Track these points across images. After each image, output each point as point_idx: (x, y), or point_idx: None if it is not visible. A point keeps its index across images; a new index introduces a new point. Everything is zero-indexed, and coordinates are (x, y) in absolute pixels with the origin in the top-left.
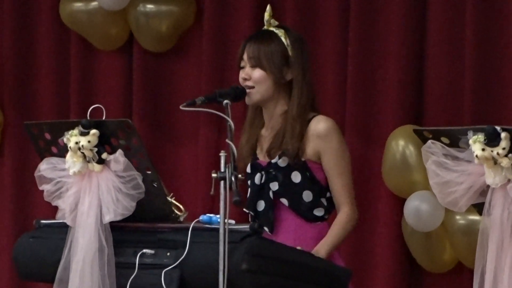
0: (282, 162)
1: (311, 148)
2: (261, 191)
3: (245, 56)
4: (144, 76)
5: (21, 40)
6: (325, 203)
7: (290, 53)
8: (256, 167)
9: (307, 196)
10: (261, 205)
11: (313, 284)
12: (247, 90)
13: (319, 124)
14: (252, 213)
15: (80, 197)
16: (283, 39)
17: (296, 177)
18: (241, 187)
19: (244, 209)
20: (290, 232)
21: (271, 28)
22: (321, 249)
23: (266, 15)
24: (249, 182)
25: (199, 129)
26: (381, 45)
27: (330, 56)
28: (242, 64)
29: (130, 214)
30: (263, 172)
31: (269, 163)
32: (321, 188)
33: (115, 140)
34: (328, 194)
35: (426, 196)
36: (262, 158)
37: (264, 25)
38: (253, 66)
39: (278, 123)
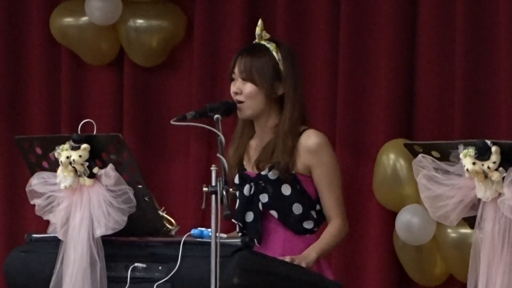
0: (272, 175)
1: (301, 162)
2: (250, 202)
3: (236, 70)
4: (135, 91)
5: (12, 54)
6: (315, 216)
7: (281, 67)
8: (245, 178)
9: (297, 208)
10: (250, 216)
11: None
12: (238, 105)
13: (310, 139)
14: (240, 224)
15: (71, 211)
16: (274, 53)
17: (286, 189)
18: (231, 201)
19: (233, 220)
20: (278, 244)
21: (263, 42)
22: (312, 252)
23: (258, 29)
24: (237, 193)
25: (189, 143)
26: (371, 59)
27: (320, 70)
28: (234, 77)
29: (121, 228)
30: (252, 184)
31: (259, 174)
32: (311, 201)
33: (106, 154)
34: (317, 207)
35: (417, 210)
36: (250, 169)
37: (255, 38)
38: (244, 80)
39: (269, 136)
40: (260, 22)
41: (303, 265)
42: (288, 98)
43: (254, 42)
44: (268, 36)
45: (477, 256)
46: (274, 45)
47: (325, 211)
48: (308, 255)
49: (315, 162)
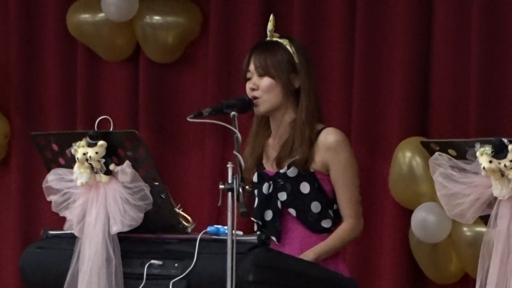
0: (291, 172)
1: (319, 159)
2: (268, 200)
3: (251, 67)
4: (151, 87)
5: (28, 50)
6: (332, 215)
7: (296, 60)
8: (264, 177)
9: (316, 207)
10: (269, 214)
11: None
12: (255, 101)
13: (329, 137)
14: (260, 223)
15: (88, 208)
16: (288, 47)
17: (304, 187)
18: (247, 198)
19: (252, 218)
20: (296, 242)
21: (275, 38)
22: (310, 253)
23: (270, 25)
24: (255, 191)
25: (205, 139)
26: (387, 57)
27: (336, 67)
28: (249, 75)
29: (137, 225)
30: (271, 182)
31: (277, 173)
32: (329, 200)
33: (122, 151)
34: (335, 206)
35: (433, 208)
36: (270, 167)
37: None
38: (261, 75)
39: (286, 132)
40: (271, 17)
41: None
42: (304, 89)
43: (266, 39)
44: (277, 35)
45: (486, 254)
46: (286, 40)
47: (340, 209)
48: (305, 256)
49: (332, 159)
